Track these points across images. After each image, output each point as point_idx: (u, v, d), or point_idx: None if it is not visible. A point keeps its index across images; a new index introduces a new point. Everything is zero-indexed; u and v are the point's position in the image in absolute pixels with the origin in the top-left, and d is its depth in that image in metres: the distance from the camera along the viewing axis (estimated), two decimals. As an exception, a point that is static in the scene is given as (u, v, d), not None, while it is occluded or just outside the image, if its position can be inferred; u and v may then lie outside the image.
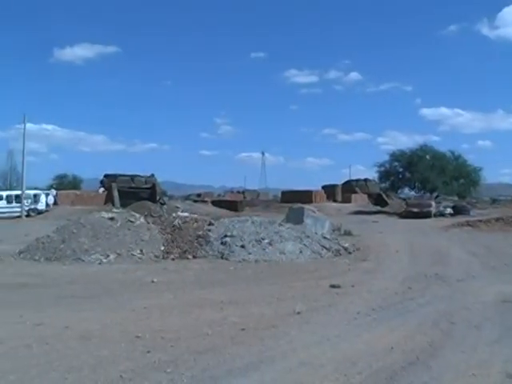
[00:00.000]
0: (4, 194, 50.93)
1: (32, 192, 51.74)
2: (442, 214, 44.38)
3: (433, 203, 46.16)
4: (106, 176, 66.95)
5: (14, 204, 48.65)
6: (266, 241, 18.66)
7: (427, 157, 58.42)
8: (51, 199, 53.37)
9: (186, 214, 24.00)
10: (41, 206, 50.76)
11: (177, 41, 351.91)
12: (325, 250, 19.08)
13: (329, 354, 7.18)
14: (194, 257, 17.92)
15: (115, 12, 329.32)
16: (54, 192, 56.96)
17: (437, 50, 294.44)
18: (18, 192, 50.06)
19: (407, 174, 59.88)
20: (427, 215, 42.93)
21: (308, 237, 19.90)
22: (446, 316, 9.51)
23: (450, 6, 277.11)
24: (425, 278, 14.04)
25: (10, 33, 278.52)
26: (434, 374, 6.48)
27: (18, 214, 47.46)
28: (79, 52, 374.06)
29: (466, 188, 60.21)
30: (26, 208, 48.68)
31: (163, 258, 17.87)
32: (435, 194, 56.38)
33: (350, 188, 74.30)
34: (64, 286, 13.06)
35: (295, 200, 48.62)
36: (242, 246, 18.15)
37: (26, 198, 48.81)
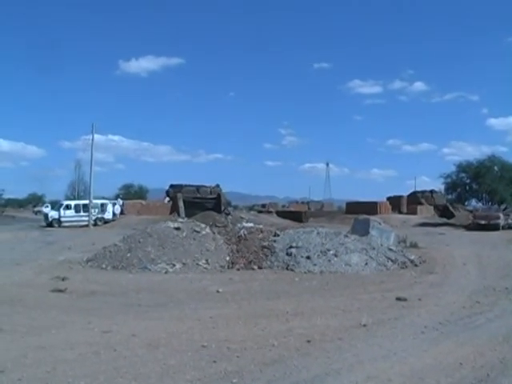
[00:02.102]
0: (72, 203, 52.32)
1: (99, 201, 53.14)
2: (510, 227, 43.08)
3: (501, 215, 44.73)
4: (171, 186, 67.75)
5: (81, 213, 49.88)
6: (332, 252, 18.55)
7: (495, 168, 57.12)
8: (118, 209, 54.54)
9: (251, 225, 24.08)
10: (107, 215, 52.05)
11: (240, 51, 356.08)
12: (390, 262, 18.83)
13: (396, 368, 7.08)
14: (260, 267, 17.98)
15: (178, 24, 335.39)
16: (120, 201, 57.98)
17: (504, 58, 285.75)
18: (86, 201, 51.19)
19: (474, 186, 58.71)
20: (495, 227, 41.72)
21: (374, 248, 19.69)
22: (517, 332, 9.23)
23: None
24: (494, 292, 13.68)
25: (79, 46, 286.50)
26: (506, 392, 6.33)
27: (85, 223, 48.65)
28: (144, 64, 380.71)
29: (536, 200, 58.34)
30: (94, 217, 49.92)
31: (228, 268, 18.03)
32: (503, 206, 54.78)
33: (415, 199, 72.83)
34: (131, 295, 13.32)
35: (360, 211, 47.94)
36: (308, 257, 18.10)
37: (93, 208, 50.02)
